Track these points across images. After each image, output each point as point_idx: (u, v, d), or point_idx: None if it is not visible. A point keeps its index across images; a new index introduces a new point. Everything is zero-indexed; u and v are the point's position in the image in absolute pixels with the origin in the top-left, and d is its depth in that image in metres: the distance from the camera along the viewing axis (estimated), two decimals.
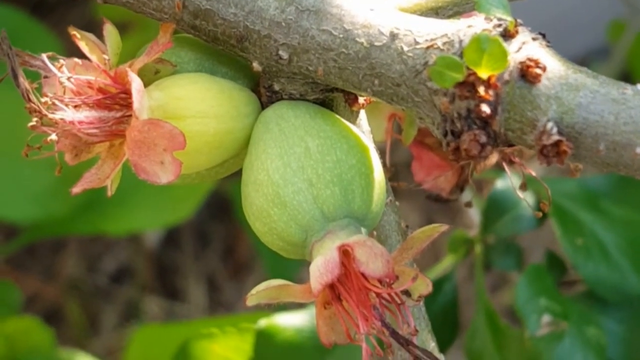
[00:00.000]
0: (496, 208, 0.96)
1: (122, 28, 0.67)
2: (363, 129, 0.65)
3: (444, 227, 0.60)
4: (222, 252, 2.09)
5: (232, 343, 0.95)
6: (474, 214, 0.97)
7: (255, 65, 0.62)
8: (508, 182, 0.96)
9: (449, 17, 0.61)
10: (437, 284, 0.97)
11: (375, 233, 0.66)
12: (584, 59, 1.88)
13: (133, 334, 1.29)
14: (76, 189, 0.61)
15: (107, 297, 2.07)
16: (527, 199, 0.92)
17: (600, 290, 0.94)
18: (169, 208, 1.26)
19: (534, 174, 0.70)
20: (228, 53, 0.63)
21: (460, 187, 0.75)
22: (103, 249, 2.09)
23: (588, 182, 0.97)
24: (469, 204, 0.78)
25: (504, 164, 0.71)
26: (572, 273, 0.98)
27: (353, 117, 0.65)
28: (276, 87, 0.63)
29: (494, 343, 0.94)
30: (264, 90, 0.63)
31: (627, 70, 1.65)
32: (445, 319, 0.97)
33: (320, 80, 0.61)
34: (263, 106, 0.64)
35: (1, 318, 1.26)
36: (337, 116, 0.63)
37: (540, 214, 0.74)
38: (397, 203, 0.68)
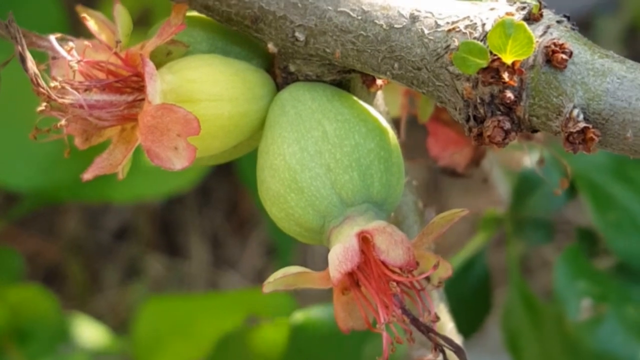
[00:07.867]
0: (527, 185, 0.94)
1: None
2: (380, 109, 0.64)
3: (463, 212, 0.58)
4: (225, 209, 2.08)
5: (268, 337, 0.94)
6: (501, 188, 0.95)
7: (271, 47, 0.60)
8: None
9: None
10: (469, 263, 0.96)
11: (392, 214, 0.65)
12: (591, 13, 1.86)
13: (142, 307, 1.28)
14: (87, 175, 0.60)
15: (109, 255, 2.07)
16: (556, 174, 0.89)
17: (634, 263, 0.93)
18: (174, 175, 1.25)
19: (553, 153, 0.69)
20: (242, 33, 0.61)
21: (476, 162, 0.74)
22: (105, 206, 2.08)
23: None
24: (485, 181, 0.77)
25: (522, 142, 0.70)
26: (603, 244, 0.96)
27: (370, 98, 0.63)
28: (292, 68, 0.61)
29: (530, 322, 0.93)
30: (279, 72, 0.62)
31: (635, 25, 1.63)
32: (477, 298, 0.96)
33: (337, 62, 0.59)
34: (278, 87, 0.62)
35: (4, 286, 1.25)
36: (355, 98, 0.61)
37: (559, 192, 0.73)
38: (413, 182, 0.67)
